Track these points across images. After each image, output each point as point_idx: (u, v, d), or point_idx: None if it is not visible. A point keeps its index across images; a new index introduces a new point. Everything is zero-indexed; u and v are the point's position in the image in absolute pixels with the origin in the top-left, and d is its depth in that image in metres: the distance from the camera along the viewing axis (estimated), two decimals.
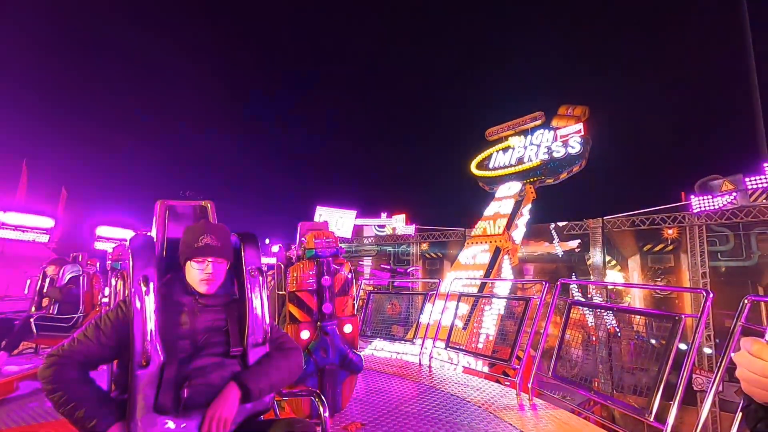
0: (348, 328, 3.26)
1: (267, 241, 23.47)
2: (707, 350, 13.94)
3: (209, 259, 1.59)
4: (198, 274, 1.59)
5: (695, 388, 12.38)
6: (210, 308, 1.61)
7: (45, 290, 4.70)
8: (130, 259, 1.59)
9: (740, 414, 0.85)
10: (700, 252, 14.87)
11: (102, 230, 15.51)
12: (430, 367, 5.14)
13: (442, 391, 4.15)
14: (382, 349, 6.20)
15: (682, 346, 2.95)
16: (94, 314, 4.85)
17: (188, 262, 1.61)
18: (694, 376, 12.53)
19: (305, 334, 3.08)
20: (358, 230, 24.52)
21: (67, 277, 4.72)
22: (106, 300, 4.74)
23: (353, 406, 3.61)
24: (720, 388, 10.29)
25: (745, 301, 2.47)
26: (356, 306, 4.60)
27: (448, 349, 5.30)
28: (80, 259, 5.21)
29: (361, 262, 23.90)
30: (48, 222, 12.81)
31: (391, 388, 4.21)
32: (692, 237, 15.12)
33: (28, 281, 5.15)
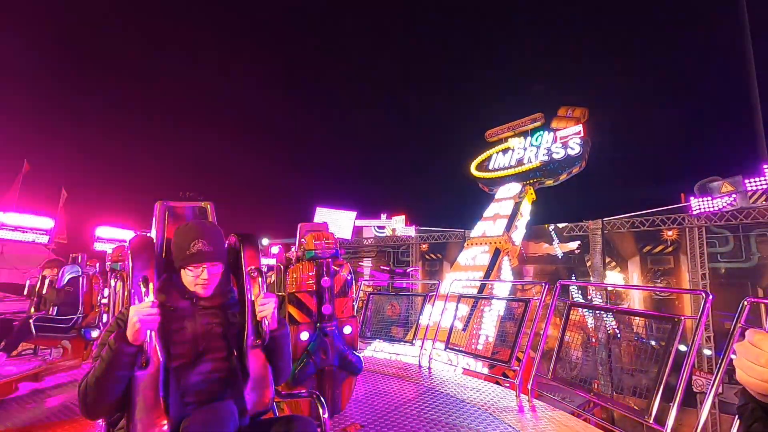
0: (347, 330, 3.26)
1: (266, 241, 23.51)
2: (707, 352, 13.94)
3: (204, 266, 1.57)
4: (193, 280, 1.58)
5: (695, 390, 12.37)
6: (209, 311, 1.61)
7: (44, 291, 4.69)
8: (130, 260, 1.59)
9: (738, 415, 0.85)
10: (700, 253, 14.88)
11: (101, 231, 15.49)
12: (429, 368, 5.13)
13: (442, 392, 4.15)
14: (382, 350, 6.20)
15: (682, 348, 2.95)
16: (94, 315, 4.85)
17: (183, 270, 1.60)
18: (693, 377, 12.52)
19: (305, 336, 3.07)
20: (357, 231, 24.48)
21: (67, 278, 4.71)
22: (105, 301, 4.76)
23: (352, 407, 3.61)
24: (720, 390, 10.27)
25: (745, 302, 2.48)
26: (356, 307, 4.59)
27: (448, 350, 5.30)
28: (80, 260, 5.21)
29: (360, 263, 23.90)
30: (48, 222, 12.80)
31: (391, 390, 4.21)
32: (692, 238, 15.12)
33: (27, 282, 5.13)
